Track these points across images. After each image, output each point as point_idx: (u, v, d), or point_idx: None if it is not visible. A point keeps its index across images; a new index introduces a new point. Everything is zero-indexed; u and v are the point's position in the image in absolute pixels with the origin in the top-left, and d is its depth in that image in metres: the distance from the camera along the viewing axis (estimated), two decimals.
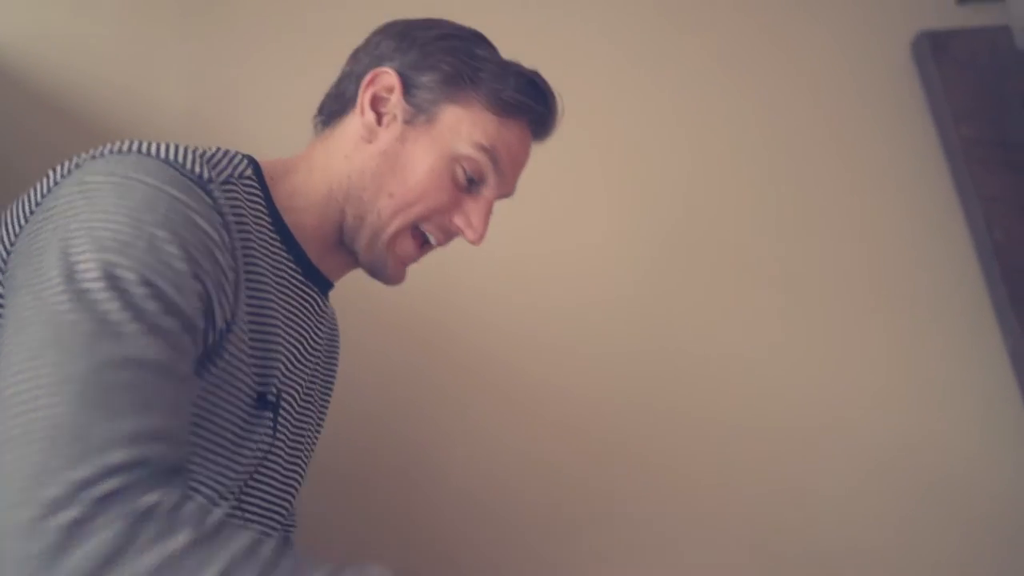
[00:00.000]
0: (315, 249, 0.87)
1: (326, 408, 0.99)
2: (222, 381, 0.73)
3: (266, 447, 0.80)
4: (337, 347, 1.03)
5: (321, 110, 0.92)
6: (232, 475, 0.77)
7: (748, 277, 1.48)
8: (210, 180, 0.74)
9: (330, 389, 1.01)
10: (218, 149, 0.82)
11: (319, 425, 0.96)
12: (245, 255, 0.77)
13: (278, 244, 0.83)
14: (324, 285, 0.91)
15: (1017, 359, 1.48)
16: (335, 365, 1.02)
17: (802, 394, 1.43)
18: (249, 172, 0.83)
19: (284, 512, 0.87)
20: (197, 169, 0.73)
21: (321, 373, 0.95)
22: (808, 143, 1.57)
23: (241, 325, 0.74)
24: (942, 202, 1.57)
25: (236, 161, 0.83)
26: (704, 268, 1.47)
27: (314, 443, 0.95)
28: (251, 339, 0.77)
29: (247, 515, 0.81)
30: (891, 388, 1.46)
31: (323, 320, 0.93)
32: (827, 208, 1.54)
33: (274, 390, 0.79)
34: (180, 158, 0.74)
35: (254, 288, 0.78)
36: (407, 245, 0.88)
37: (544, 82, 0.89)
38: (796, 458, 1.40)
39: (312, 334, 0.89)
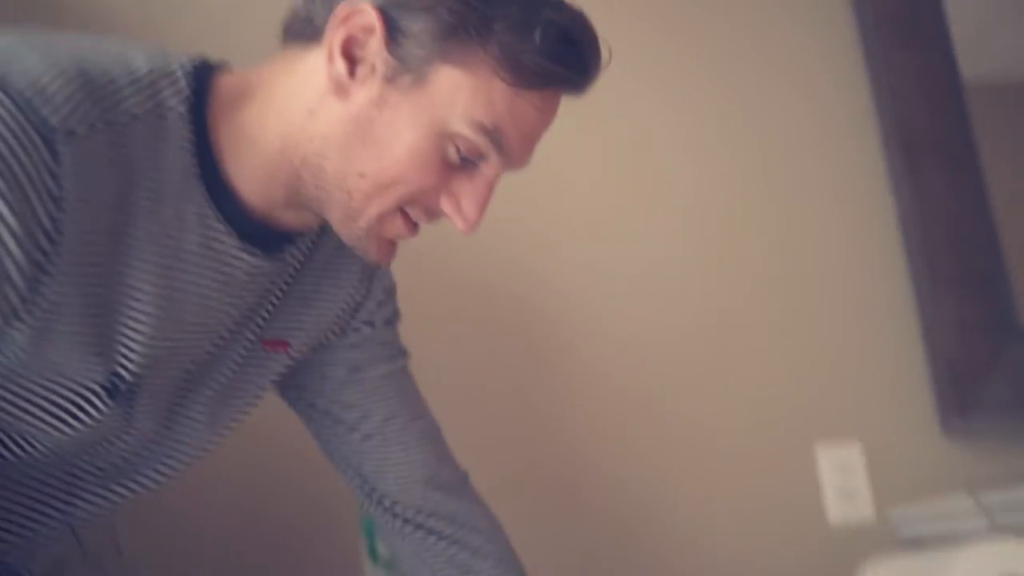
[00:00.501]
0: (262, 205, 0.73)
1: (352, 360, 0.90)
2: (34, 361, 0.65)
3: (115, 425, 0.73)
4: (369, 298, 0.90)
5: (287, 29, 0.73)
6: (53, 440, 0.71)
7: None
8: (72, 131, 0.60)
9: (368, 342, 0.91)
10: (160, 68, 0.67)
11: (264, 382, 0.86)
12: (118, 221, 0.64)
13: (200, 201, 0.69)
14: (279, 240, 0.76)
15: (905, 222, 1.59)
16: (355, 314, 0.90)
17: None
18: (183, 108, 0.67)
19: (149, 480, 0.80)
20: (57, 115, 0.59)
21: (313, 326, 0.86)
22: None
23: (60, 310, 0.63)
24: (856, 85, 1.62)
25: (170, 91, 0.67)
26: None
27: (243, 412, 0.85)
28: (92, 321, 0.66)
29: (81, 474, 0.77)
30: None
31: (273, 281, 0.79)
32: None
33: (126, 374, 0.69)
34: (49, 89, 0.59)
35: (114, 263, 0.65)
36: (396, 227, 0.73)
37: (586, 31, 0.69)
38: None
39: (236, 302, 0.76)
